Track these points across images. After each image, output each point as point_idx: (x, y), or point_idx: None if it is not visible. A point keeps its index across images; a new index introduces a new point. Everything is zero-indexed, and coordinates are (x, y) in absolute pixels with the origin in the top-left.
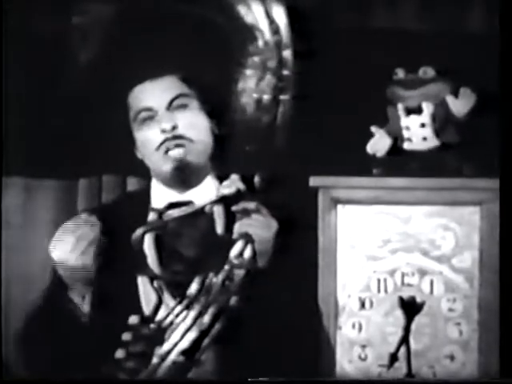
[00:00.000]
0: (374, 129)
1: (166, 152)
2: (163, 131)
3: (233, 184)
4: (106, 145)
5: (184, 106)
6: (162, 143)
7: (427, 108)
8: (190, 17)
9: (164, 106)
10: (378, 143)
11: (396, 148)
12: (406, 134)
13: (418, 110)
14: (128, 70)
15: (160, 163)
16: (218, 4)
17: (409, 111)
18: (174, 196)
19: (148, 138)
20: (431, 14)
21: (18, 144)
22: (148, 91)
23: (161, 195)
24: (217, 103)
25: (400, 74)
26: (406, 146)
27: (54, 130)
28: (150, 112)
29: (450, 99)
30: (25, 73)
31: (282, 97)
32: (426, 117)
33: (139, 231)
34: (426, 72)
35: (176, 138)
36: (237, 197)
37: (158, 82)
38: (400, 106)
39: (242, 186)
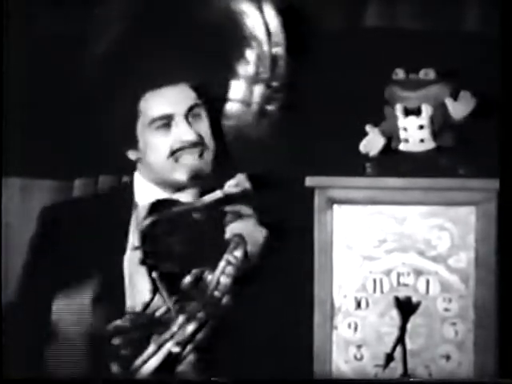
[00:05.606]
0: (368, 128)
1: (177, 160)
2: (183, 142)
3: (239, 183)
4: (103, 145)
5: (199, 116)
6: (176, 151)
7: (426, 110)
8: (195, 23)
9: (182, 115)
10: (372, 142)
11: (390, 148)
12: (402, 134)
13: (416, 112)
14: (138, 74)
15: (171, 170)
16: (219, 11)
17: (407, 112)
18: (161, 194)
19: (161, 145)
20: (431, 13)
21: (16, 145)
22: (164, 98)
23: (147, 193)
24: (219, 112)
25: (400, 74)
26: (402, 146)
27: (52, 131)
28: (167, 120)
29: (449, 102)
30: (25, 73)
31: (270, 107)
32: (424, 119)
33: (149, 219)
34: (427, 74)
35: (196, 146)
36: (234, 197)
37: (172, 89)
38: (398, 107)
39: (248, 185)
